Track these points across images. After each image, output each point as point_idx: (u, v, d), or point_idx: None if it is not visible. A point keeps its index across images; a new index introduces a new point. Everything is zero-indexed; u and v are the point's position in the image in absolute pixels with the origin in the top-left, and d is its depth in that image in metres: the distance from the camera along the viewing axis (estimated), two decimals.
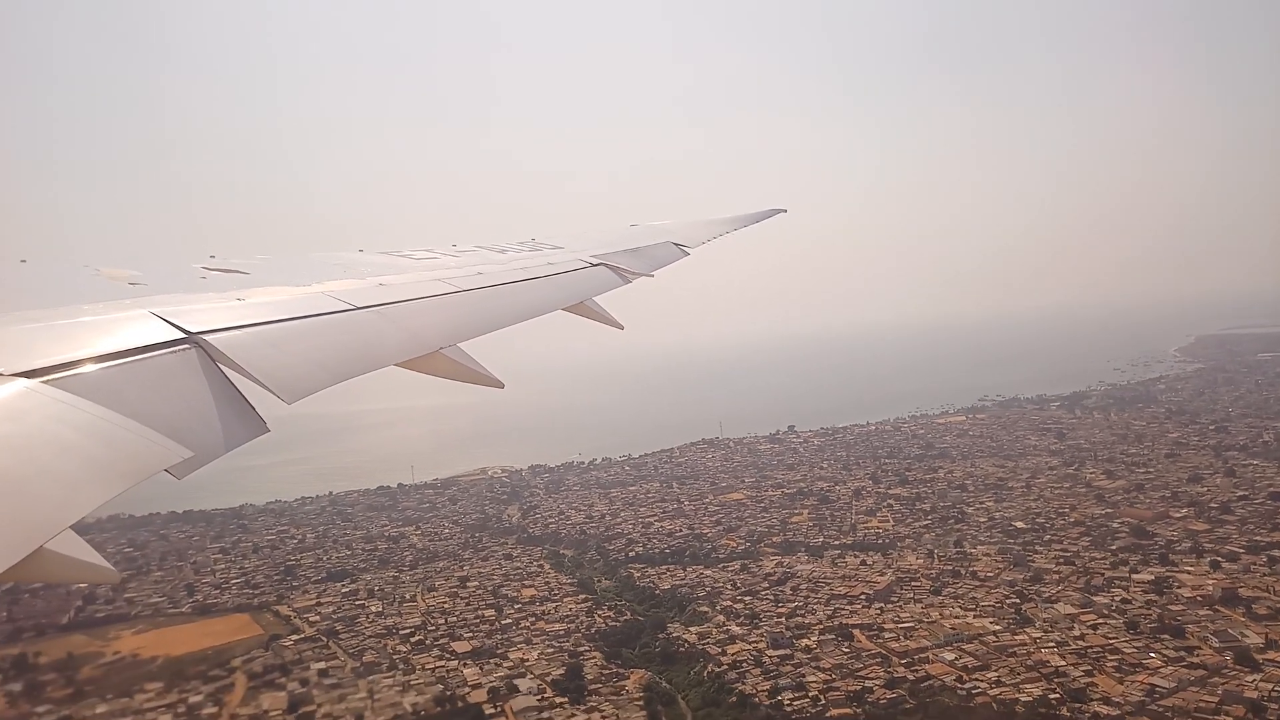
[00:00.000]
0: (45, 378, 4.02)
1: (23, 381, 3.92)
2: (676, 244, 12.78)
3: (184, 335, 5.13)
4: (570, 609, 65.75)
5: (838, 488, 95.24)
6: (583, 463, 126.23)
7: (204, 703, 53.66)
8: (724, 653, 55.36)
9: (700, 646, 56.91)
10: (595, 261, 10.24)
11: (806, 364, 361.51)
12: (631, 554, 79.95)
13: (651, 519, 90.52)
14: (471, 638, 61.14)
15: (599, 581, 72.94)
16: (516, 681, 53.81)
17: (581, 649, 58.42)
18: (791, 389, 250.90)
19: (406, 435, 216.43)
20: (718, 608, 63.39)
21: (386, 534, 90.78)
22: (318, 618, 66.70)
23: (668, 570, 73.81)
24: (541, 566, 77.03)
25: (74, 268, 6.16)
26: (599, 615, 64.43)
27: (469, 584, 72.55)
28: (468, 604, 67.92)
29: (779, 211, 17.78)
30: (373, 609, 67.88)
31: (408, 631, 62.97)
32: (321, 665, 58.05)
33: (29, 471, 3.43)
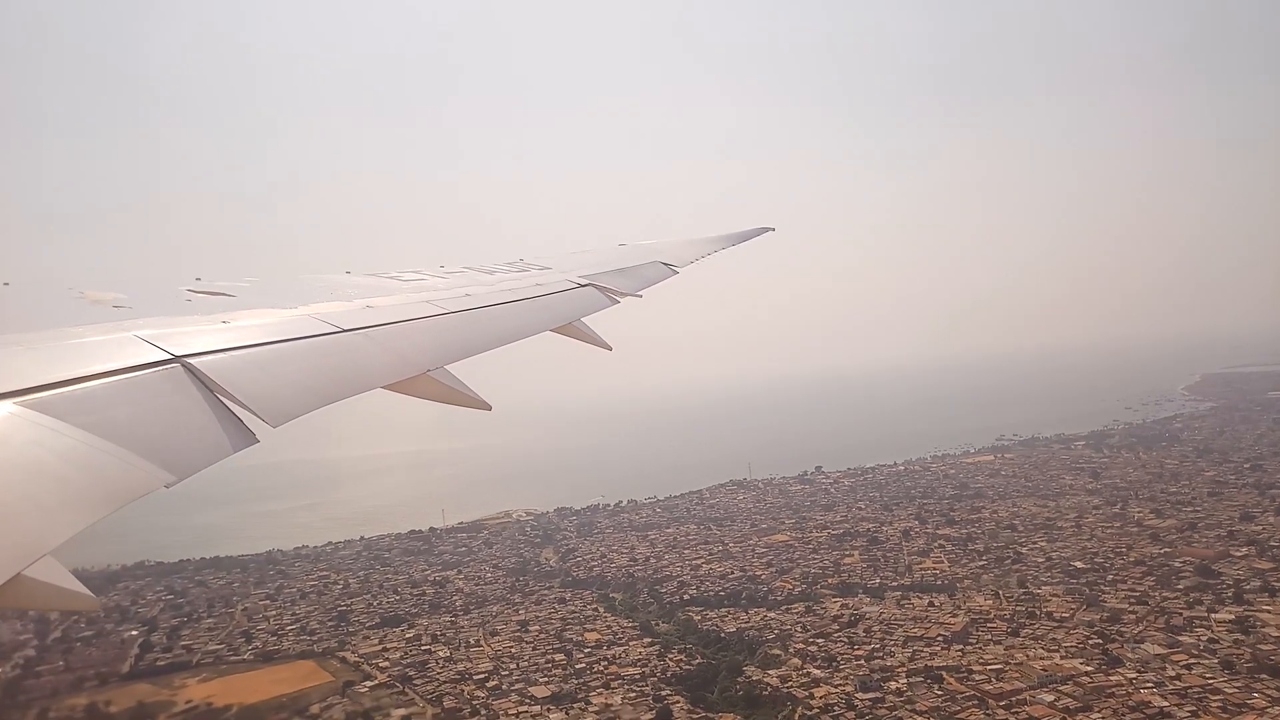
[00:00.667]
0: (28, 401, 4.00)
1: (5, 405, 3.90)
2: (665, 263, 12.66)
3: (169, 358, 5.11)
4: (640, 653, 64.96)
5: (884, 529, 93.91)
6: (608, 505, 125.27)
7: None
8: (811, 695, 54.49)
9: (785, 690, 56.05)
10: (583, 282, 10.18)
11: (814, 404, 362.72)
12: (685, 597, 79.04)
13: (698, 561, 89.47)
14: (547, 682, 60.64)
15: (657, 625, 72.12)
16: None
17: (663, 693, 57.79)
18: (802, 429, 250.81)
19: (418, 480, 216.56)
20: (790, 650, 62.54)
21: (429, 579, 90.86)
22: (387, 663, 66.50)
23: (728, 613, 72.88)
24: (596, 610, 76.45)
25: (58, 290, 6.18)
26: (670, 659, 63.61)
27: (530, 628, 72.13)
28: (534, 648, 67.44)
29: (767, 230, 17.57)
30: (440, 654, 67.66)
31: (481, 676, 62.51)
32: (403, 712, 57.90)
33: (9, 496, 3.40)
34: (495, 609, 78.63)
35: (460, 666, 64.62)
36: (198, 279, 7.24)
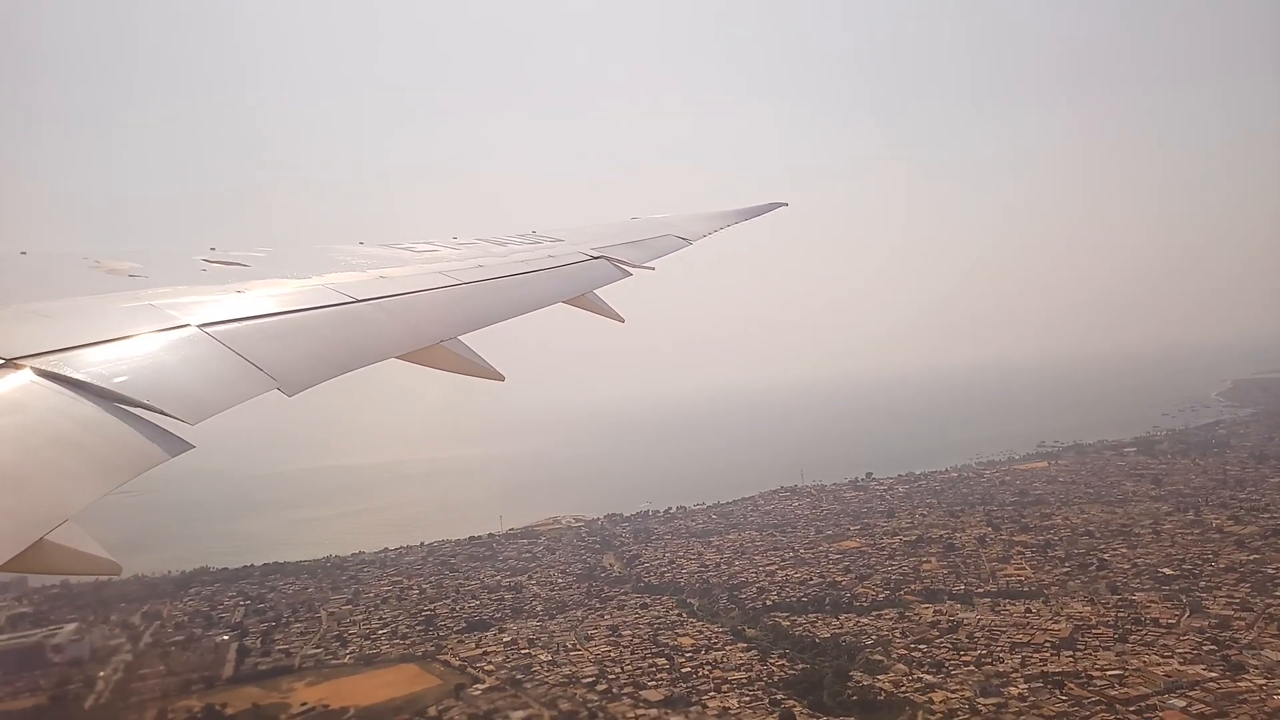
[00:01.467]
0: (45, 369, 4.07)
1: (23, 373, 3.98)
2: (678, 236, 12.52)
3: (183, 327, 5.21)
4: (740, 658, 64.82)
5: (957, 535, 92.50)
6: (657, 511, 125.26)
7: None
8: (930, 700, 54.01)
9: (901, 694, 55.69)
10: (596, 254, 10.13)
11: (843, 409, 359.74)
12: (768, 602, 78.75)
13: (772, 567, 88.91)
14: (656, 686, 60.91)
15: (745, 630, 71.78)
16: None
17: (777, 697, 57.66)
18: (837, 434, 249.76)
19: (449, 486, 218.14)
20: (893, 656, 62.06)
21: (502, 584, 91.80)
22: (491, 666, 67.53)
23: (817, 618, 72.48)
24: (680, 615, 76.61)
25: (74, 260, 6.27)
26: (771, 664, 63.32)
27: (622, 633, 72.42)
28: (632, 652, 67.66)
29: (780, 205, 17.41)
30: (541, 658, 68.33)
31: (588, 680, 62.93)
32: (521, 714, 58.65)
33: (30, 463, 3.48)
34: (579, 614, 79.28)
35: (565, 670, 65.07)
36: (212, 249, 7.35)
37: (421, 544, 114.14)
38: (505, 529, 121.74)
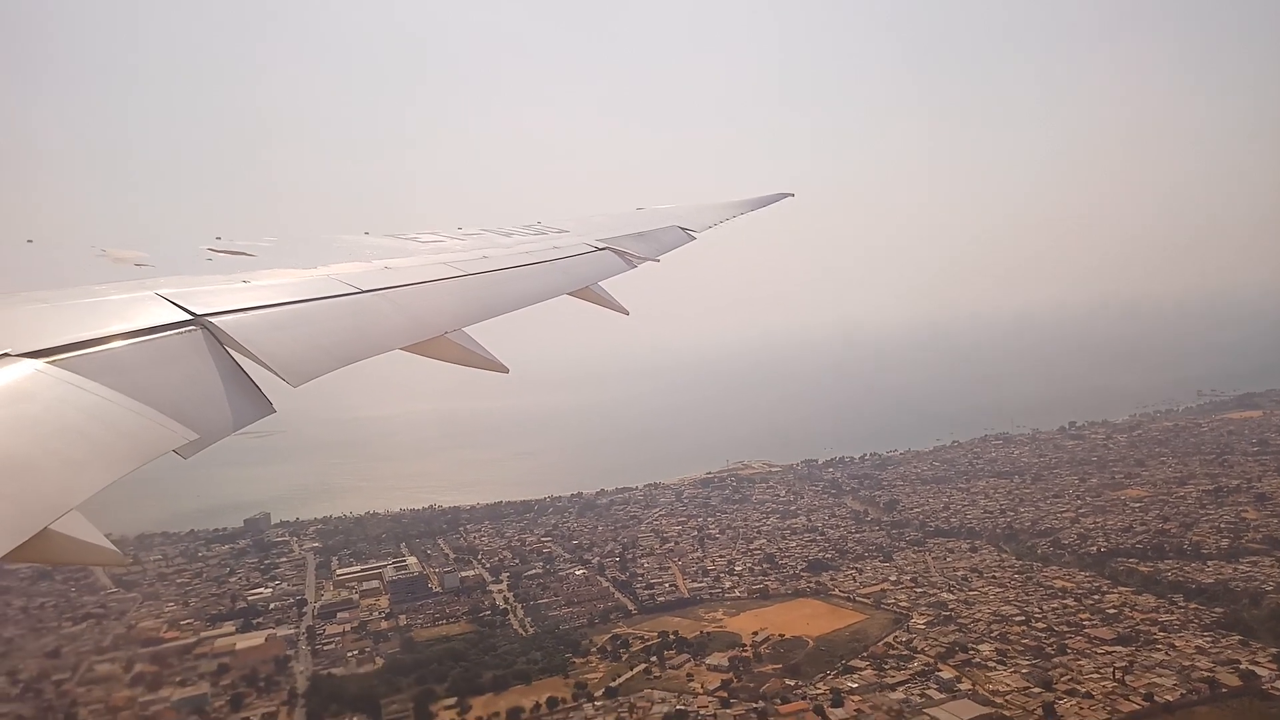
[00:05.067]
0: (52, 359, 4.04)
1: (29, 362, 3.94)
2: (683, 228, 12.59)
3: (190, 317, 5.17)
4: (1150, 602, 66.46)
5: (1254, 484, 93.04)
6: (852, 458, 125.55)
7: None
8: None
9: None
10: (601, 246, 10.12)
11: (967, 355, 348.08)
12: (1100, 548, 79.50)
13: (1066, 513, 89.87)
14: (1092, 626, 62.74)
15: (1114, 572, 73.07)
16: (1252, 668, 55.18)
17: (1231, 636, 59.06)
18: (965, 380, 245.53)
19: (578, 432, 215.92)
20: None
21: (792, 526, 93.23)
22: (895, 601, 69.83)
23: (1190, 565, 73.92)
24: (1003, 556, 78.62)
25: (81, 249, 6.19)
26: (1185, 608, 64.89)
27: (985, 574, 74.33)
28: (1023, 593, 69.56)
29: (786, 195, 17.43)
30: (942, 596, 70.21)
31: (1017, 618, 64.76)
32: (987, 647, 60.00)
33: (35, 452, 3.45)
34: (909, 554, 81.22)
35: (992, 607, 66.88)
36: (218, 238, 7.24)
37: (655, 484, 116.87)
38: (698, 474, 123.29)
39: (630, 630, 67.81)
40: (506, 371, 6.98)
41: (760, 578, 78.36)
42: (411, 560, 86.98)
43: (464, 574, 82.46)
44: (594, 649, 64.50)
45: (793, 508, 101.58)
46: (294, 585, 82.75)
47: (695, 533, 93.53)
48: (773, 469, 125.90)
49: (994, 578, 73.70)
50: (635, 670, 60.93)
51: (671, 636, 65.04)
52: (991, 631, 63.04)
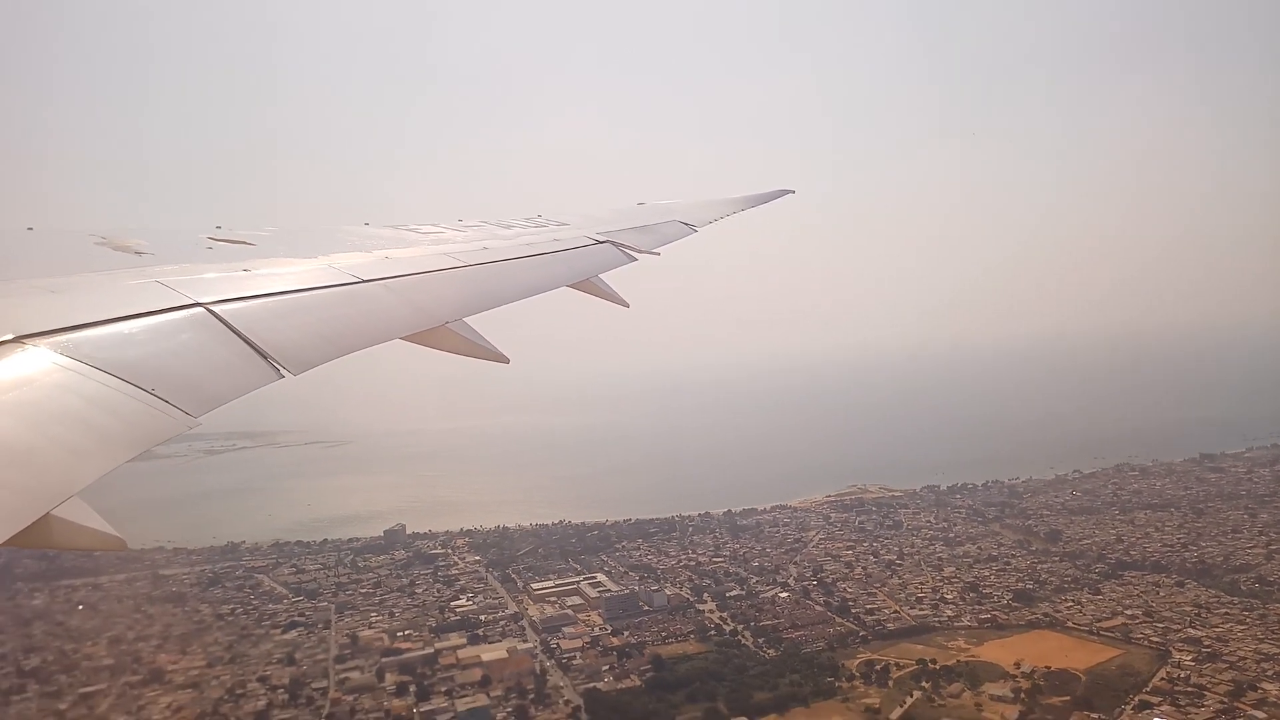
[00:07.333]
0: (53, 345, 4.05)
1: (31, 349, 3.96)
2: (684, 222, 12.58)
3: (190, 305, 5.18)
4: None
5: None
6: (976, 485, 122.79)
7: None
8: None
9: None
10: (601, 239, 10.14)
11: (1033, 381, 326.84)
12: None
13: (1254, 548, 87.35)
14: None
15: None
16: None
17: None
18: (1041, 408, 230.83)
19: (625, 452, 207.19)
20: None
21: (962, 554, 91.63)
22: (1155, 635, 68.35)
23: None
24: (1204, 592, 77.32)
25: (81, 237, 6.17)
26: None
27: (1221, 608, 73.61)
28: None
29: (787, 192, 17.38)
30: (1195, 633, 68.31)
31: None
32: (1271, 686, 58.14)
33: (37, 438, 3.47)
34: (1106, 586, 79.89)
35: (1249, 645, 65.11)
36: (218, 227, 7.23)
37: (772, 508, 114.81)
38: (827, 495, 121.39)
39: (876, 655, 65.94)
40: (507, 362, 6.98)
41: (975, 606, 76.77)
42: (601, 576, 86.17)
43: (668, 592, 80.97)
44: (853, 674, 62.69)
45: (951, 534, 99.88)
46: (490, 599, 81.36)
47: (872, 558, 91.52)
48: (892, 493, 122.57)
49: (1226, 614, 72.31)
50: (915, 697, 59.19)
51: (931, 664, 63.32)
52: (1266, 671, 61.34)
